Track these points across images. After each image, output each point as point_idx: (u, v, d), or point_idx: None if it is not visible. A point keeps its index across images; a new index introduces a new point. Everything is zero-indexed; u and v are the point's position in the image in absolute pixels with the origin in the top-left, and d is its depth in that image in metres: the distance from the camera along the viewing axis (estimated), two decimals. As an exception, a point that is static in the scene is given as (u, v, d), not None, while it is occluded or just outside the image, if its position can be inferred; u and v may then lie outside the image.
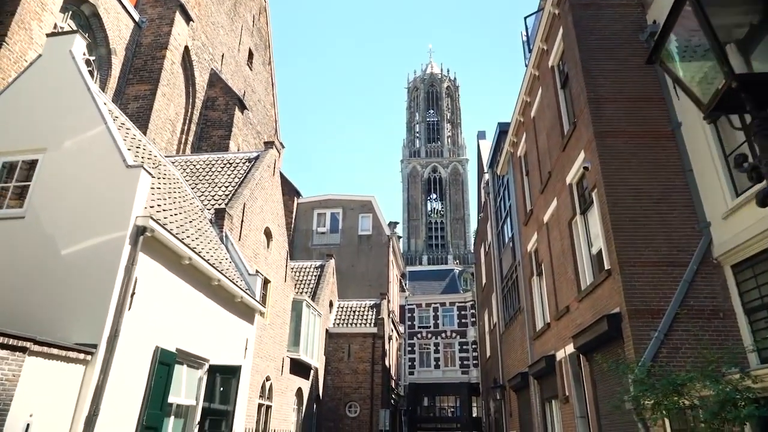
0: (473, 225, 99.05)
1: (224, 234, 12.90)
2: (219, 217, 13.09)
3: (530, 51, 14.50)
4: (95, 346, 6.60)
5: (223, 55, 23.27)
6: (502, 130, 19.75)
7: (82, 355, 6.40)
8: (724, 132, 8.49)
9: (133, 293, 7.26)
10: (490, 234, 22.20)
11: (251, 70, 26.97)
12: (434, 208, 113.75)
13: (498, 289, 20.41)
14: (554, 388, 12.53)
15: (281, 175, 29.21)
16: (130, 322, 7.16)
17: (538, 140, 14.04)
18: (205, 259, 9.29)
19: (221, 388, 9.85)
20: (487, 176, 22.98)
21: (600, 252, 9.90)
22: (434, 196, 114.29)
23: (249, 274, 12.56)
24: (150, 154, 11.09)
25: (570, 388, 11.21)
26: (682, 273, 8.42)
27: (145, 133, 14.92)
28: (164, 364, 8.00)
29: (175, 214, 9.72)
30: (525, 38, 15.16)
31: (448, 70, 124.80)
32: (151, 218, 7.47)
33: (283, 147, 31.35)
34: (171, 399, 8.59)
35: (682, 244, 8.68)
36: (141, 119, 15.11)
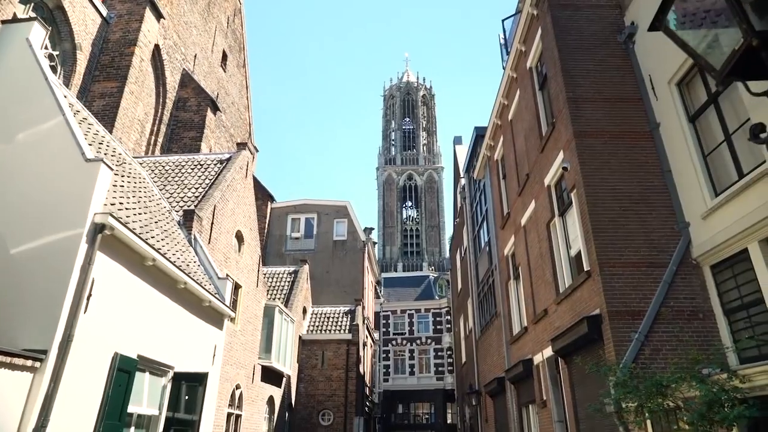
0: (448, 233, 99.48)
1: (193, 236, 12.38)
2: (188, 219, 12.58)
3: (508, 53, 14.43)
4: (45, 352, 6.09)
5: (195, 56, 22.70)
6: (479, 134, 19.69)
7: (29, 362, 5.89)
8: (703, 132, 8.45)
9: (90, 295, 6.76)
10: (466, 239, 22.07)
11: (225, 72, 26.42)
12: (409, 216, 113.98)
13: (474, 294, 20.24)
14: (531, 393, 12.34)
15: (255, 179, 28.63)
16: (85, 327, 6.66)
17: (516, 143, 13.93)
18: (170, 261, 8.81)
19: (187, 397, 9.34)
20: (463, 181, 22.88)
21: (579, 254, 9.77)
22: (409, 203, 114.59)
23: (219, 278, 12.07)
24: (114, 151, 10.56)
25: (548, 393, 11.02)
26: (661, 274, 8.31)
27: (111, 132, 14.31)
28: (124, 371, 7.49)
29: (139, 214, 9.22)
30: (503, 41, 15.10)
31: (424, 79, 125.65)
32: (111, 215, 6.99)
33: (257, 151, 30.73)
34: (131, 409, 8.07)
35: (662, 244, 8.59)
36: (107, 117, 14.49)
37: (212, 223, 13.59)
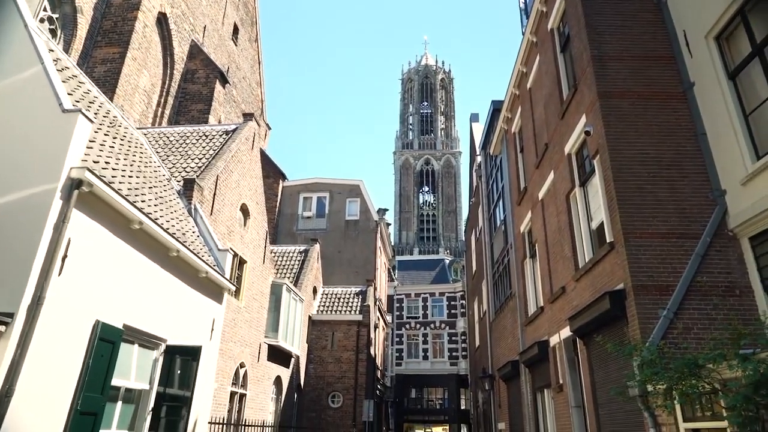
0: (465, 218, 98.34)
1: (193, 206, 11.86)
2: (188, 188, 12.05)
3: (527, 17, 13.52)
4: (12, 315, 5.58)
5: (205, 27, 22.11)
6: (496, 108, 18.79)
7: (-6, 325, 5.39)
8: (744, 89, 7.59)
9: (65, 256, 6.24)
10: (482, 218, 21.29)
11: (236, 45, 25.82)
12: (426, 201, 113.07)
13: (489, 275, 19.52)
14: (547, 377, 11.65)
15: (266, 156, 28.16)
16: (59, 290, 6.14)
17: (534, 112, 13.08)
18: (161, 227, 8.25)
19: (180, 372, 8.85)
20: (479, 158, 22.04)
21: (601, 226, 9.00)
22: (426, 188, 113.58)
23: (219, 250, 11.54)
24: (108, 113, 10.02)
25: (565, 376, 10.33)
26: (693, 246, 7.53)
27: (111, 99, 13.83)
28: (106, 341, 6.99)
29: (130, 177, 8.68)
30: (522, 5, 14.17)
31: (443, 62, 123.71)
32: (88, 170, 6.43)
33: (270, 129, 30.31)
34: (118, 382, 7.59)
35: (694, 214, 7.79)
36: (108, 84, 14.02)
37: (214, 194, 13.06)
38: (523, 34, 13.72)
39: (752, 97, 7.45)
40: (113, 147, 8.77)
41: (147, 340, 8.46)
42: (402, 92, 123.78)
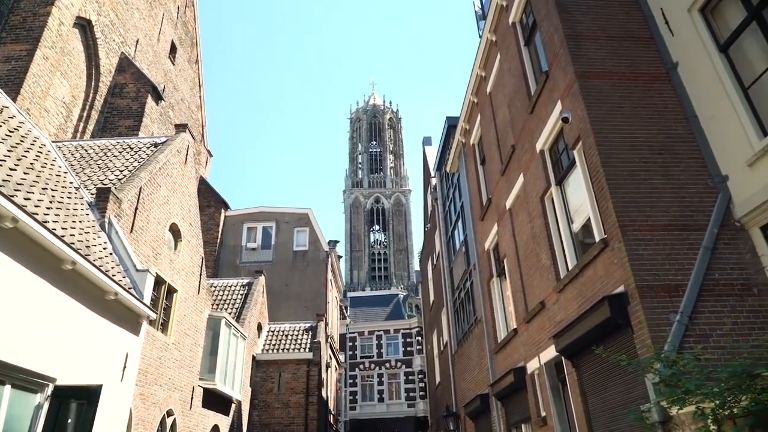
0: (417, 257, 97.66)
1: (107, 220, 9.94)
2: (101, 200, 10.14)
3: (484, 19, 12.74)
4: None
5: (138, 41, 20.39)
6: (451, 124, 17.93)
7: None
8: (739, 61, 6.74)
9: None
10: (439, 243, 20.06)
11: (174, 65, 24.13)
12: (377, 239, 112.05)
13: (449, 304, 18.13)
14: (525, 409, 10.20)
15: (207, 184, 26.18)
16: None
17: (497, 116, 12.11)
18: (48, 228, 6.41)
19: (73, 421, 6.82)
20: (434, 180, 21.00)
21: (584, 227, 7.87)
22: (377, 227, 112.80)
23: (137, 270, 9.63)
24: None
25: (548, 407, 8.91)
26: (699, 239, 6.44)
27: (14, 100, 11.84)
28: (-48, 378, 5.03)
29: (12, 168, 6.85)
30: (478, 9, 13.43)
31: (390, 102, 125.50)
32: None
33: (211, 155, 28.42)
34: (-27, 436, 5.57)
35: (695, 203, 6.74)
36: (11, 84, 12.04)
37: (136, 209, 11.16)
38: (480, 36, 12.90)
39: (748, 69, 6.60)
40: (-9, 133, 6.94)
41: (26, 380, 6.44)
42: (351, 131, 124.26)
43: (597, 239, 7.12)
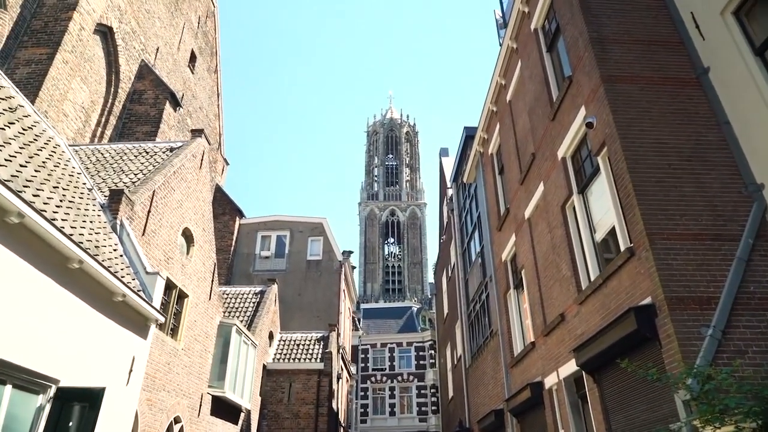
0: (431, 270, 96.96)
1: (119, 221, 9.85)
2: (114, 201, 10.06)
3: (505, 27, 12.54)
4: None
5: (158, 49, 20.59)
6: (469, 135, 17.68)
7: None
8: (775, 65, 6.41)
9: None
10: (454, 255, 19.72)
11: (193, 73, 24.33)
12: (392, 252, 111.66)
13: (463, 316, 17.74)
14: (542, 426, 9.78)
15: (222, 191, 26.22)
16: None
17: (516, 125, 11.84)
18: (55, 225, 6.28)
19: (75, 424, 6.62)
20: (450, 192, 20.72)
21: (609, 235, 7.52)
22: (392, 240, 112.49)
23: (147, 273, 9.49)
24: (13, 105, 8.15)
25: (566, 424, 8.51)
26: (733, 249, 6.08)
27: (33, 102, 11.89)
28: (-50, 375, 4.87)
29: (23, 165, 6.76)
30: (499, 17, 13.25)
31: (407, 116, 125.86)
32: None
33: (227, 164, 28.49)
34: (-30, 437, 5.39)
35: (728, 211, 6.39)
36: (30, 87, 12.12)
37: (149, 212, 11.07)
38: (501, 45, 12.70)
39: (786, 73, 6.28)
40: (4, 129, 6.87)
41: (28, 380, 6.27)
42: (367, 144, 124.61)
43: (622, 248, 6.79)
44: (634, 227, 6.43)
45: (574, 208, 8.62)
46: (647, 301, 6.03)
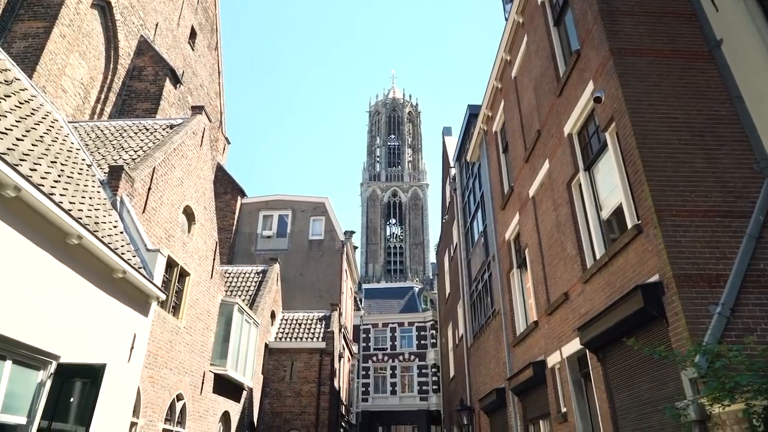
0: (433, 251, 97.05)
1: (119, 198, 9.75)
2: (114, 177, 9.95)
3: (511, 1, 12.25)
4: None
5: (157, 25, 20.25)
6: (472, 113, 17.44)
7: None
8: (792, 37, 6.20)
9: None
10: (457, 235, 19.63)
11: (194, 50, 23.99)
12: (393, 233, 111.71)
13: (465, 296, 17.72)
14: (544, 405, 9.79)
15: (224, 170, 26.07)
16: None
17: (522, 101, 11.63)
18: (53, 200, 6.17)
19: (75, 400, 6.61)
20: (453, 171, 20.54)
21: (615, 214, 7.40)
22: (393, 221, 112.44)
23: (148, 250, 9.42)
24: (10, 78, 7.97)
25: (570, 402, 8.49)
26: (743, 226, 5.95)
27: (30, 76, 11.70)
28: (-52, 349, 4.81)
29: (19, 139, 6.63)
30: (505, -9, 12.93)
31: (410, 96, 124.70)
32: None
33: (229, 143, 28.29)
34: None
35: (738, 188, 6.25)
36: (28, 61, 11.92)
37: (149, 189, 10.97)
38: (506, 19, 12.41)
39: (803, 46, 6.08)
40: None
41: (28, 356, 6.24)
42: (369, 124, 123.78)
43: (630, 226, 6.67)
44: (643, 204, 6.30)
45: (580, 186, 8.47)
46: (655, 278, 5.92)
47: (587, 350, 7.61)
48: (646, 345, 5.69)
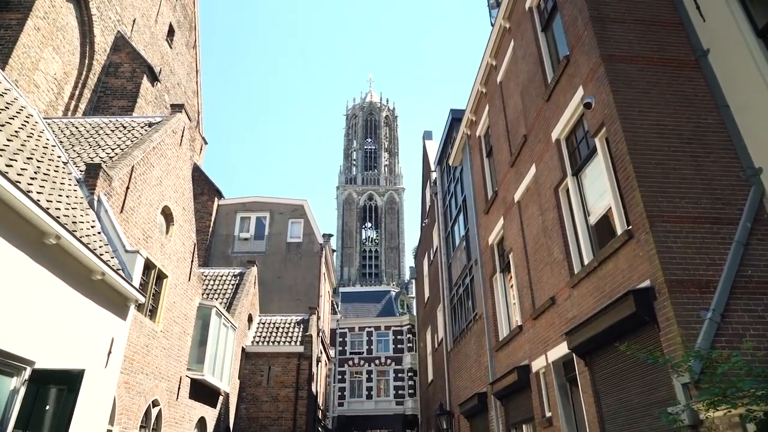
0: (408, 255, 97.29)
1: (96, 197, 9.41)
2: (91, 176, 9.60)
3: (498, 7, 12.32)
4: None
5: (134, 21, 19.76)
6: (455, 117, 17.49)
7: None
8: (776, 49, 6.35)
9: None
10: (437, 239, 19.63)
11: (171, 48, 23.50)
12: (369, 237, 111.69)
13: (446, 300, 17.71)
14: (527, 409, 9.80)
15: (201, 171, 25.58)
16: None
17: (507, 106, 11.68)
18: (30, 197, 5.88)
19: (51, 407, 6.30)
20: (434, 175, 20.56)
21: (602, 220, 7.46)
22: (369, 224, 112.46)
23: (126, 251, 9.11)
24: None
25: (555, 407, 8.50)
26: (731, 233, 6.05)
27: (3, 69, 11.24)
28: None
29: (-6, 134, 6.32)
30: (490, -4, 13.00)
31: (387, 100, 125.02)
32: None
33: (206, 143, 27.79)
34: (-60, 421, 5.05)
35: (726, 195, 6.36)
36: (0, 53, 11.43)
37: (128, 188, 10.63)
38: (492, 24, 12.47)
39: (787, 57, 6.22)
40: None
41: (0, 362, 5.92)
42: (346, 127, 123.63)
43: (620, 231, 6.72)
44: (634, 209, 6.34)
45: (567, 191, 8.53)
46: (646, 284, 5.96)
47: (574, 355, 7.63)
48: (636, 350, 5.72)
